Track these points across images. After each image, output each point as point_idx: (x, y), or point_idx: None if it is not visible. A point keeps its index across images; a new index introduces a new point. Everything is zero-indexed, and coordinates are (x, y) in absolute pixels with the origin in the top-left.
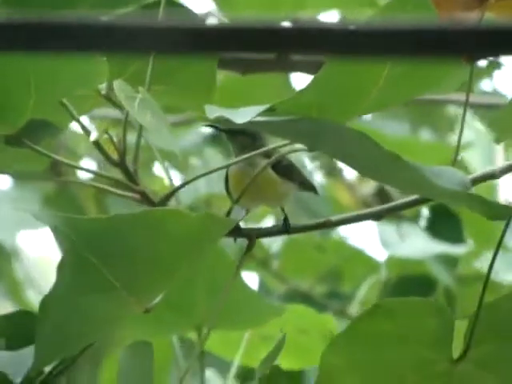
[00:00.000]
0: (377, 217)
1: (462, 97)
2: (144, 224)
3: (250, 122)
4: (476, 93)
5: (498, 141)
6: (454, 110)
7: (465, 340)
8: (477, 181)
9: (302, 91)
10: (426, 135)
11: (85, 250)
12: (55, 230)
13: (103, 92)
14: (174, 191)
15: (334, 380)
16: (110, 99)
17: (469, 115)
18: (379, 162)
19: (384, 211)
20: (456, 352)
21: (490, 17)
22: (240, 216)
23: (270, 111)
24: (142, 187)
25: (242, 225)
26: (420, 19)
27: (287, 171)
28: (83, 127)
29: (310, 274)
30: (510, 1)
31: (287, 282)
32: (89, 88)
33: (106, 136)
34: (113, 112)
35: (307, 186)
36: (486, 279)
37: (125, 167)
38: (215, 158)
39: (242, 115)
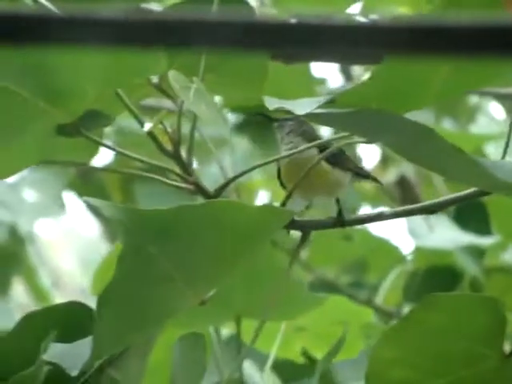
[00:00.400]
0: (430, 211)
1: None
2: (206, 215)
3: (311, 114)
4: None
5: None
6: (475, 100)
7: None
8: None
9: (362, 83)
10: (448, 125)
11: (145, 242)
12: (116, 222)
13: (154, 81)
14: (229, 182)
15: (385, 372)
16: (161, 89)
17: (493, 106)
18: (442, 155)
19: (437, 205)
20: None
21: None
22: (296, 207)
23: (329, 103)
24: (195, 178)
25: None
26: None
27: (339, 160)
28: (136, 117)
29: (336, 264)
30: None
31: (313, 271)
32: (145, 77)
33: (160, 126)
34: (163, 102)
35: (361, 173)
36: None
37: (179, 158)
38: (242, 145)
39: (302, 107)
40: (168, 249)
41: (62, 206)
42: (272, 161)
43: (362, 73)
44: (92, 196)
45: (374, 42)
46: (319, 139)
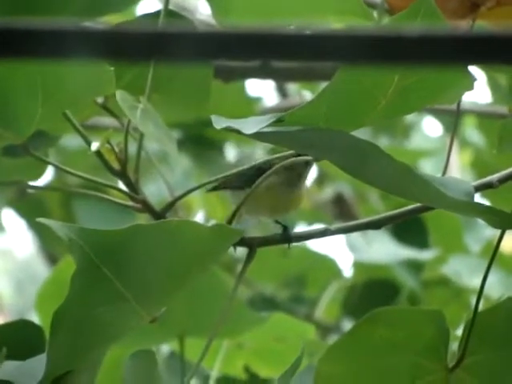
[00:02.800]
0: (377, 226)
1: None
2: (161, 235)
3: (259, 133)
4: None
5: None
6: (411, 117)
7: (459, 348)
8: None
9: (310, 102)
10: (384, 141)
11: (99, 262)
12: (70, 241)
13: (100, 101)
14: (176, 200)
15: None
16: (107, 108)
17: (427, 122)
18: (390, 173)
19: (384, 220)
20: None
21: (482, 25)
22: (243, 225)
23: (277, 122)
24: (143, 196)
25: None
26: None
27: (302, 180)
28: (84, 136)
29: (274, 279)
30: (502, 8)
31: (252, 286)
32: (96, 97)
33: (106, 145)
34: (106, 120)
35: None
36: (480, 289)
37: (126, 177)
38: (182, 162)
39: (250, 126)
40: (121, 268)
41: (0, 225)
42: (215, 180)
43: (297, 91)
44: (32, 214)
45: (332, 52)
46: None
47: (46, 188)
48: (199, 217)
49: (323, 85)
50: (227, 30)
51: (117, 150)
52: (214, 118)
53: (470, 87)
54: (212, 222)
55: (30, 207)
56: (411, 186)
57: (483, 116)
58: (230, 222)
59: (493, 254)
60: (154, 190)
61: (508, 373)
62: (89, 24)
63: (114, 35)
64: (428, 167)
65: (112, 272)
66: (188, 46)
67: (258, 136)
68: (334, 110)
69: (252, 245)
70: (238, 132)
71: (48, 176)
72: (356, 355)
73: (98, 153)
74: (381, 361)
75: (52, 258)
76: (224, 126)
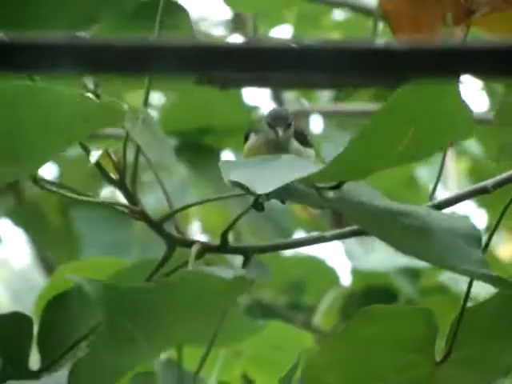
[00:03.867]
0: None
1: None
2: (179, 290)
3: (275, 191)
4: None
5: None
6: None
7: (447, 343)
8: (468, 196)
9: (329, 165)
10: None
11: (122, 317)
12: (96, 298)
13: None
14: (173, 213)
15: (319, 377)
16: None
17: None
18: (409, 236)
19: None
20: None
21: (476, 31)
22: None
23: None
24: (140, 207)
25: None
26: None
27: (306, 138)
28: (83, 146)
29: (273, 286)
30: (497, 15)
31: (250, 293)
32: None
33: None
34: (108, 129)
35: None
36: (469, 287)
37: (124, 187)
38: (179, 171)
39: (264, 182)
40: (141, 322)
41: None
42: (217, 199)
43: (293, 99)
44: (29, 223)
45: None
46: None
47: (45, 189)
48: (195, 227)
49: (319, 93)
50: (213, 44)
51: (115, 158)
52: (223, 167)
53: (470, 135)
54: (206, 236)
55: (27, 216)
56: (428, 249)
57: (480, 124)
58: (225, 234)
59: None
60: (152, 198)
61: (493, 366)
62: (76, 36)
63: (99, 48)
64: (424, 175)
65: (133, 327)
66: (171, 59)
67: (274, 194)
68: (354, 163)
69: (248, 253)
70: (248, 190)
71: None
72: (344, 349)
73: (97, 162)
74: (368, 355)
75: (48, 268)
76: (234, 179)
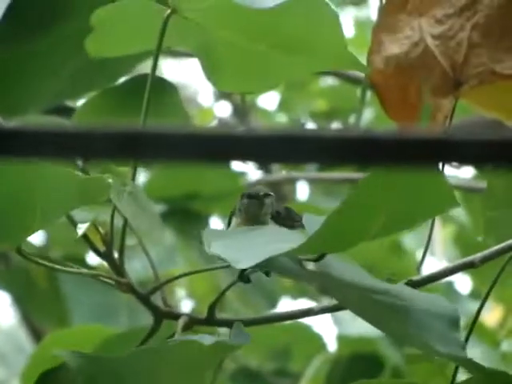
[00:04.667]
0: None
1: None
2: (162, 357)
3: (257, 265)
4: None
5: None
6: None
7: None
8: (455, 270)
9: (310, 239)
10: None
11: None
12: (78, 369)
13: None
14: (161, 286)
15: None
16: None
17: None
18: (378, 310)
19: None
20: None
21: (464, 103)
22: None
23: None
24: (127, 279)
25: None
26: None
27: (288, 221)
28: (70, 218)
29: (259, 352)
30: (485, 87)
31: (236, 359)
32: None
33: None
34: None
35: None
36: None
37: (112, 259)
38: (167, 236)
39: (246, 257)
40: None
41: None
42: (203, 270)
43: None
44: (16, 286)
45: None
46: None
47: (32, 261)
48: (181, 293)
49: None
50: (201, 131)
51: (102, 231)
52: (204, 238)
53: (451, 208)
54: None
55: (14, 279)
56: (404, 328)
57: (466, 190)
58: (212, 307)
59: (471, 327)
60: (139, 266)
61: None
62: (66, 125)
63: (85, 135)
64: (411, 242)
65: None
66: (165, 147)
67: (257, 267)
68: (335, 237)
69: (231, 325)
70: (233, 264)
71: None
72: None
73: (84, 234)
74: None
75: (35, 329)
76: (215, 253)
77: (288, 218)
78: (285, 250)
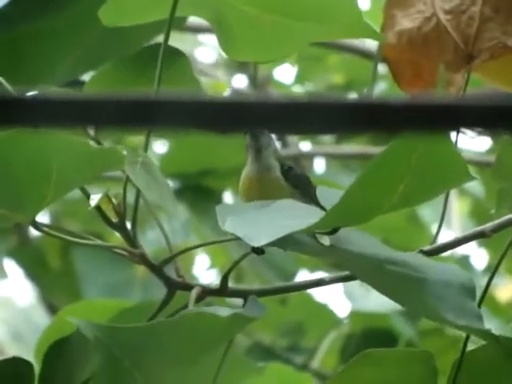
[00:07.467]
0: None
1: None
2: (180, 330)
3: (272, 242)
4: None
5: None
6: None
7: None
8: (467, 240)
9: (327, 215)
10: None
11: (122, 358)
12: (95, 340)
13: None
14: (174, 256)
15: None
16: None
17: None
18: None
19: None
20: None
21: (476, 77)
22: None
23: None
24: (140, 250)
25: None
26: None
27: (299, 181)
28: (83, 190)
29: (272, 328)
30: (497, 61)
31: (250, 335)
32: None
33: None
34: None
35: (315, 203)
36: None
37: (124, 230)
38: (179, 212)
39: (260, 233)
40: (140, 363)
41: (2, 271)
42: (216, 242)
43: (298, 141)
44: (31, 263)
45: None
46: (284, 159)
47: (47, 233)
48: (203, 262)
49: (321, 137)
50: (210, 99)
51: (115, 202)
52: (218, 214)
53: (465, 182)
54: (213, 275)
55: (28, 256)
56: (418, 299)
57: (481, 165)
58: (225, 278)
59: (480, 299)
60: (153, 238)
61: None
62: (78, 91)
63: (102, 103)
64: (426, 215)
65: (133, 366)
66: (176, 114)
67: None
68: (351, 211)
69: (247, 295)
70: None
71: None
72: None
73: (97, 206)
74: None
75: (52, 307)
76: (231, 229)
77: (303, 183)
78: (301, 227)
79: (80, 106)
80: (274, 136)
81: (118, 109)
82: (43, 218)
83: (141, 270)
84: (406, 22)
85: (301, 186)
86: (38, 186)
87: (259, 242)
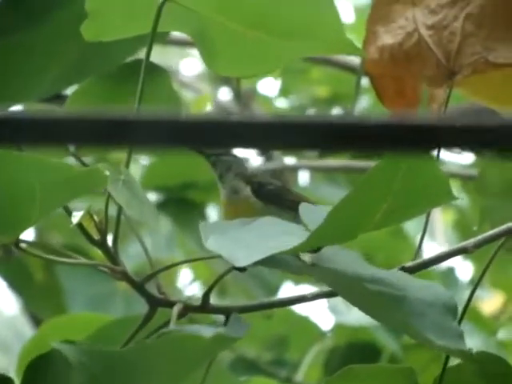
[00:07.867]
0: None
1: None
2: (162, 350)
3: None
4: None
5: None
6: None
7: None
8: (449, 256)
9: (311, 236)
10: None
11: (103, 379)
12: (79, 363)
13: None
14: (156, 273)
15: None
16: None
17: None
18: (374, 299)
19: None
20: None
21: (458, 93)
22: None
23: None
24: (122, 267)
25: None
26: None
27: (272, 196)
28: (65, 207)
29: (256, 342)
30: (478, 77)
31: (234, 349)
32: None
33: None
34: None
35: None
36: None
37: (106, 248)
38: (163, 225)
39: (244, 254)
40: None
41: None
42: (199, 259)
43: (282, 155)
44: (14, 275)
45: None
46: (253, 176)
47: (29, 253)
48: (182, 280)
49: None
50: (186, 118)
51: (97, 219)
52: (202, 231)
53: (448, 201)
54: (197, 288)
55: (12, 269)
56: (399, 318)
57: (465, 178)
58: (206, 294)
59: (462, 313)
60: (136, 253)
61: None
62: (59, 109)
63: (82, 122)
64: (411, 227)
65: None
66: (155, 133)
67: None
68: (335, 231)
69: (229, 312)
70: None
71: (29, 237)
72: None
73: (79, 223)
74: None
75: (35, 319)
76: (214, 248)
77: (277, 196)
78: (285, 249)
79: (55, 126)
80: (239, 155)
81: (95, 128)
82: (27, 231)
83: (123, 283)
84: (388, 37)
85: (274, 200)
86: (23, 208)
87: (243, 262)
